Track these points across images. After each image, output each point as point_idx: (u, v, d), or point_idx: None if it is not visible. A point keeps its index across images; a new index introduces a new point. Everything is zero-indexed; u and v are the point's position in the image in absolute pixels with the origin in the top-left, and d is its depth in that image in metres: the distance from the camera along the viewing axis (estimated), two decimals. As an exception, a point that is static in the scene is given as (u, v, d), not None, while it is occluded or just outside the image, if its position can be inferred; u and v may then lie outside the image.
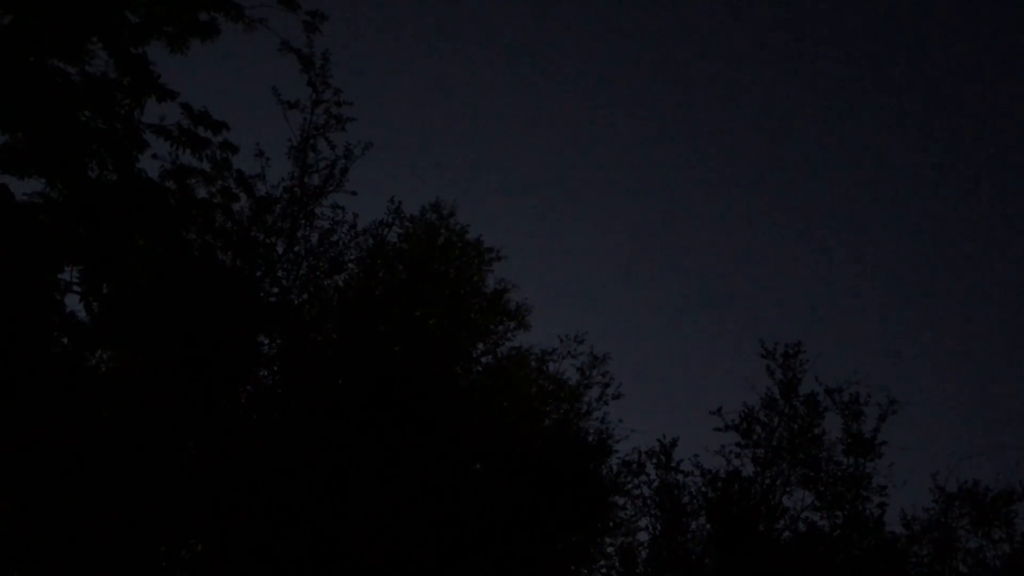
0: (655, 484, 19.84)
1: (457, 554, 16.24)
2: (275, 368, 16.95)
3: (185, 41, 11.12)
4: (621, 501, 20.06)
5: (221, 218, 14.63)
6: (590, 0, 65.91)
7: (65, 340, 11.66)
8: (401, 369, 16.74)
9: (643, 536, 19.97)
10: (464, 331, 19.01)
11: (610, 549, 20.09)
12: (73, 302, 11.03)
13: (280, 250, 16.76)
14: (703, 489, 19.42)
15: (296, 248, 16.95)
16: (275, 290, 16.61)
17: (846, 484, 18.70)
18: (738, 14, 67.05)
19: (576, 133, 67.31)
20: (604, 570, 20.00)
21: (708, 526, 19.38)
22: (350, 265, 17.89)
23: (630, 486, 19.95)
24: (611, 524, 20.04)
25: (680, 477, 19.73)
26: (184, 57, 11.15)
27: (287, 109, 16.79)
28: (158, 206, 11.40)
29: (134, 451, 13.07)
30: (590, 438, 19.92)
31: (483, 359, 19.70)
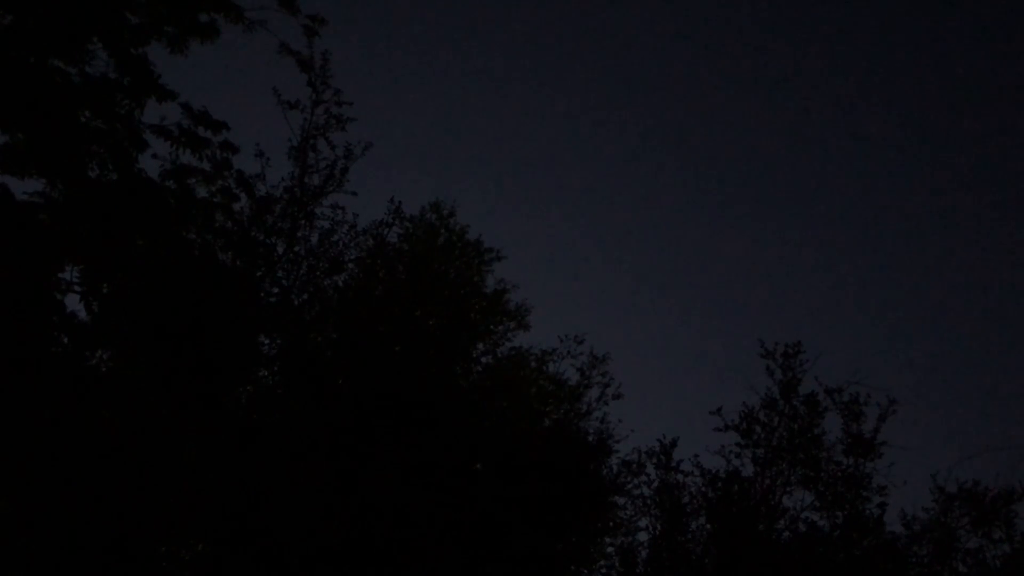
0: (655, 484, 19.84)
1: (457, 553, 16.23)
2: (275, 368, 16.94)
3: (185, 41, 11.11)
4: (621, 501, 20.09)
5: (221, 218, 14.62)
6: (594, 2, 65.97)
7: (65, 340, 11.65)
8: (401, 369, 16.73)
9: (643, 536, 19.97)
10: (464, 331, 19.01)
11: (610, 549, 20.09)
12: (73, 302, 11.05)
13: (280, 250, 16.76)
14: (703, 489, 19.40)
15: (296, 248, 16.97)
16: (275, 290, 16.62)
17: (846, 484, 18.65)
18: (738, 18, 67.06)
19: (576, 134, 67.35)
20: (604, 570, 20.00)
21: (708, 526, 19.35)
22: (350, 265, 17.91)
23: (630, 486, 19.97)
24: (611, 524, 20.04)
25: (680, 477, 19.71)
26: (184, 57, 11.15)
27: (287, 109, 16.84)
28: (158, 206, 11.39)
29: (134, 451, 13.06)
30: (590, 438, 19.94)
31: (483, 359, 19.73)
